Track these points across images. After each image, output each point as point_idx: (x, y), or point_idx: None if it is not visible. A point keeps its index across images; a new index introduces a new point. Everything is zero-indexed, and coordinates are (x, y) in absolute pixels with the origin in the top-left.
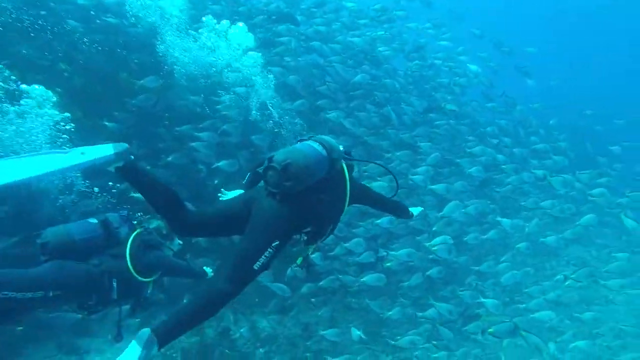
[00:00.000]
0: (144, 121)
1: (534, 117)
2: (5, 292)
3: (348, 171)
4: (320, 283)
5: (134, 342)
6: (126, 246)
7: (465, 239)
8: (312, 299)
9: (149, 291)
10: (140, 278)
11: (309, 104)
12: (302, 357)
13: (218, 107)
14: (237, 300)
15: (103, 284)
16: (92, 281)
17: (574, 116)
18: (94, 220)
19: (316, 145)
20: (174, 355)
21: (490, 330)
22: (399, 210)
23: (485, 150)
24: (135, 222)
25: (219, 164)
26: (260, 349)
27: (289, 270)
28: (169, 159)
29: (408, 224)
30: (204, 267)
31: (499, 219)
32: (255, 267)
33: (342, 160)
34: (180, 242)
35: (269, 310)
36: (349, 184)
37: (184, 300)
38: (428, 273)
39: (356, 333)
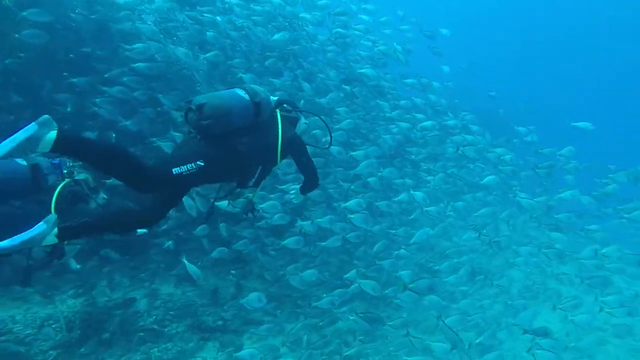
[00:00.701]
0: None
1: (445, 97)
2: None
3: (283, 122)
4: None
5: (41, 222)
6: (53, 195)
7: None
8: (232, 271)
9: (64, 242)
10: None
11: (224, 56)
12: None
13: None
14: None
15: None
16: (12, 223)
17: (481, 97)
18: (23, 162)
19: (238, 91)
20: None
21: (410, 285)
22: (312, 185)
23: (400, 123)
24: (65, 171)
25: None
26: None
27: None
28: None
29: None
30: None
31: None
32: (174, 171)
33: (277, 110)
34: (105, 197)
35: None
36: (281, 133)
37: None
38: (347, 236)
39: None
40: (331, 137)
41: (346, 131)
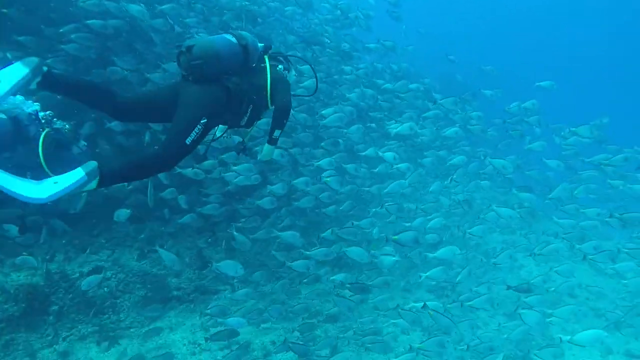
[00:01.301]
0: None
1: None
2: None
3: (272, 67)
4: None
5: (79, 168)
6: (38, 144)
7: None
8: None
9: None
10: (51, 174)
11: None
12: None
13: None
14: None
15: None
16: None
17: (441, 63)
18: (2, 116)
19: (226, 35)
20: None
21: (394, 237)
22: (280, 120)
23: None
24: (43, 121)
25: None
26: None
27: None
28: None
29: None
30: None
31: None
32: (187, 141)
33: (266, 57)
34: (85, 143)
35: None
36: (269, 76)
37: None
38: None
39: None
40: (317, 81)
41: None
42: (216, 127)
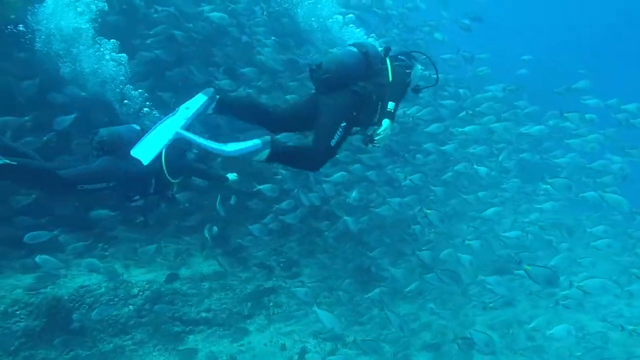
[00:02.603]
0: None
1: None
2: (81, 185)
3: (394, 67)
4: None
5: (256, 139)
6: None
7: None
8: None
9: (174, 189)
10: (170, 179)
11: None
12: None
13: None
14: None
15: (145, 180)
16: (139, 177)
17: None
18: (136, 127)
19: (349, 47)
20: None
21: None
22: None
23: None
24: None
25: None
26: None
27: None
28: None
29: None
30: (228, 174)
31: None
32: (332, 143)
33: (387, 58)
34: (196, 151)
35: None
36: (391, 75)
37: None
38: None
39: None
40: (437, 72)
41: None
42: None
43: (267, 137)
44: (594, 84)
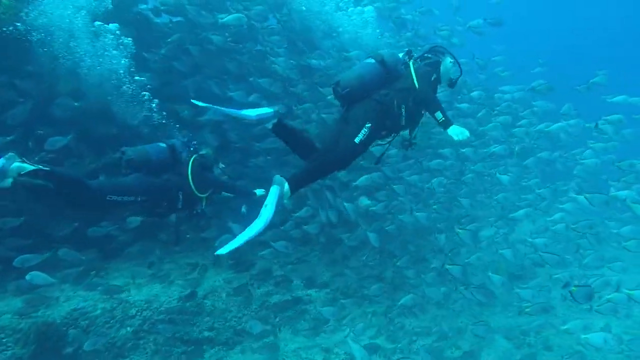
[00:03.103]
0: None
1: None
2: (110, 196)
3: (417, 69)
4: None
5: (274, 186)
6: (188, 167)
7: None
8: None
9: (203, 204)
10: (197, 193)
11: None
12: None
13: None
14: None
15: (173, 195)
16: (166, 192)
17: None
18: (163, 145)
19: (367, 60)
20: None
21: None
22: (432, 107)
23: None
24: (192, 148)
25: None
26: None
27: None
28: None
29: None
30: (256, 190)
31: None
32: (357, 140)
33: (410, 62)
34: (223, 165)
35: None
36: (415, 77)
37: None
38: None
39: None
40: (460, 66)
41: None
42: (382, 135)
43: (278, 177)
44: (611, 77)
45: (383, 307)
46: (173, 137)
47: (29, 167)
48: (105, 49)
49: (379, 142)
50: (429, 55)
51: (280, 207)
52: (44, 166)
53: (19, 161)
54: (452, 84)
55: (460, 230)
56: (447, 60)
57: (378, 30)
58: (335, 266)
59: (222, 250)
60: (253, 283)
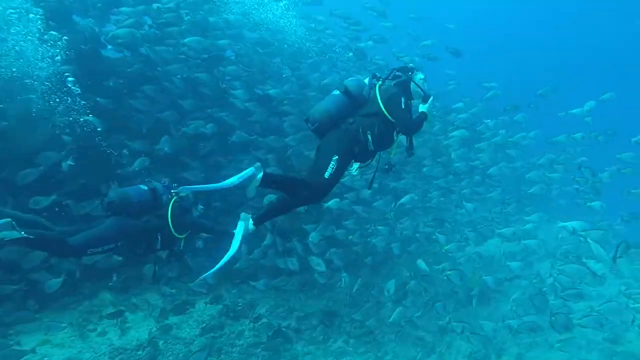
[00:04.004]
0: None
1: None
2: (91, 250)
3: (382, 90)
4: None
5: (240, 221)
6: (167, 209)
7: None
8: None
9: (181, 245)
10: (176, 234)
11: None
12: None
13: None
14: None
15: (151, 236)
16: (144, 234)
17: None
18: (144, 187)
19: (334, 92)
20: None
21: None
22: (409, 130)
23: None
24: (173, 191)
25: None
26: None
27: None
28: None
29: None
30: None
31: None
32: (326, 175)
33: (377, 84)
34: (202, 207)
35: None
36: (380, 102)
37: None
38: None
39: None
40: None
41: None
42: (352, 163)
43: (258, 164)
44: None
45: None
46: (154, 180)
47: (16, 234)
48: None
49: (361, 165)
50: (399, 74)
51: (246, 239)
52: (28, 234)
53: (10, 227)
54: (425, 98)
55: (450, 272)
56: (418, 77)
57: None
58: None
59: (200, 278)
60: None
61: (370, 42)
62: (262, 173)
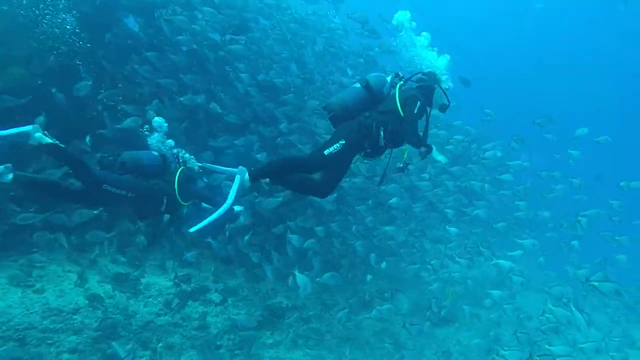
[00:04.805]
0: None
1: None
2: (106, 185)
3: (402, 90)
4: None
5: (237, 175)
6: (175, 176)
7: None
8: None
9: (184, 212)
10: (180, 201)
11: None
12: None
13: None
14: None
15: (158, 198)
16: (153, 194)
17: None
18: (156, 153)
19: (355, 84)
20: None
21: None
22: (411, 137)
23: None
24: (181, 160)
25: None
26: None
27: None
28: None
29: None
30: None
31: None
32: (325, 152)
33: (398, 84)
34: (207, 180)
35: None
36: (398, 101)
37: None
38: None
39: None
40: (448, 98)
41: None
42: (367, 154)
43: (241, 168)
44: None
45: None
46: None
47: (47, 139)
48: None
49: (365, 160)
50: (425, 78)
51: (241, 194)
52: (60, 143)
53: (41, 132)
54: (443, 108)
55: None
56: (445, 85)
57: None
58: None
59: (193, 229)
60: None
61: (377, 49)
62: (247, 173)
